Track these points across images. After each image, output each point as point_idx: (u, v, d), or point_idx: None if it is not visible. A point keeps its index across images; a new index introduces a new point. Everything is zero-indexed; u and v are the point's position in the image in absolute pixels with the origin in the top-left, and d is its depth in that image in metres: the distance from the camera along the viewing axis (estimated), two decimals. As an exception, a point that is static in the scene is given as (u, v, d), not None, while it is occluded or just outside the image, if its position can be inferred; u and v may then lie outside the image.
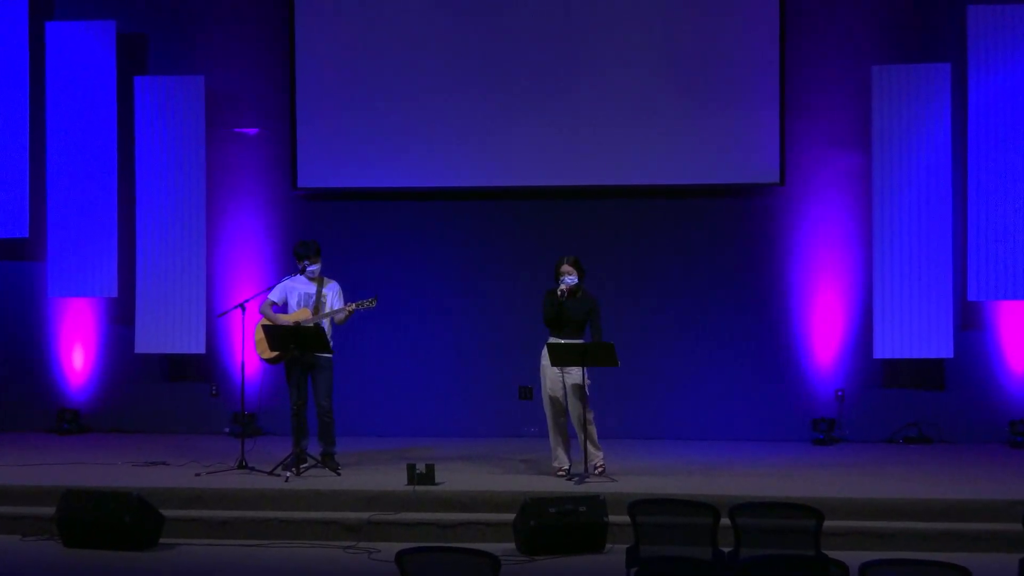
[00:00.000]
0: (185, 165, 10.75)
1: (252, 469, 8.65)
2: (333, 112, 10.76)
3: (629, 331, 10.18)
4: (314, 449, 8.87)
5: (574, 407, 8.46)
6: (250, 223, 11.04)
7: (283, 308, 9.03)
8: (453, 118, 10.63)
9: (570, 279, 8.50)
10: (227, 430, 10.69)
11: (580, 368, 8.37)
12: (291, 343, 8.56)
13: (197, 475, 8.57)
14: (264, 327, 8.73)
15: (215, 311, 10.62)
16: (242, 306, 8.93)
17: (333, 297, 8.93)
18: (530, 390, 10.47)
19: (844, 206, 10.52)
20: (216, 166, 10.96)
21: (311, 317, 8.79)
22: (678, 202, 10.69)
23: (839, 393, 10.48)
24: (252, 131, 11.02)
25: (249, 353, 9.06)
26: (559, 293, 8.48)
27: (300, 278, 8.98)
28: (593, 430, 8.46)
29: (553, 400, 8.54)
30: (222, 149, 10.99)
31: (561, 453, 8.56)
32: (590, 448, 8.41)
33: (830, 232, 10.55)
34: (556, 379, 8.50)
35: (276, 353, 8.73)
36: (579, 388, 8.41)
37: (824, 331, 10.52)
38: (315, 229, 10.37)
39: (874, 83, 10.23)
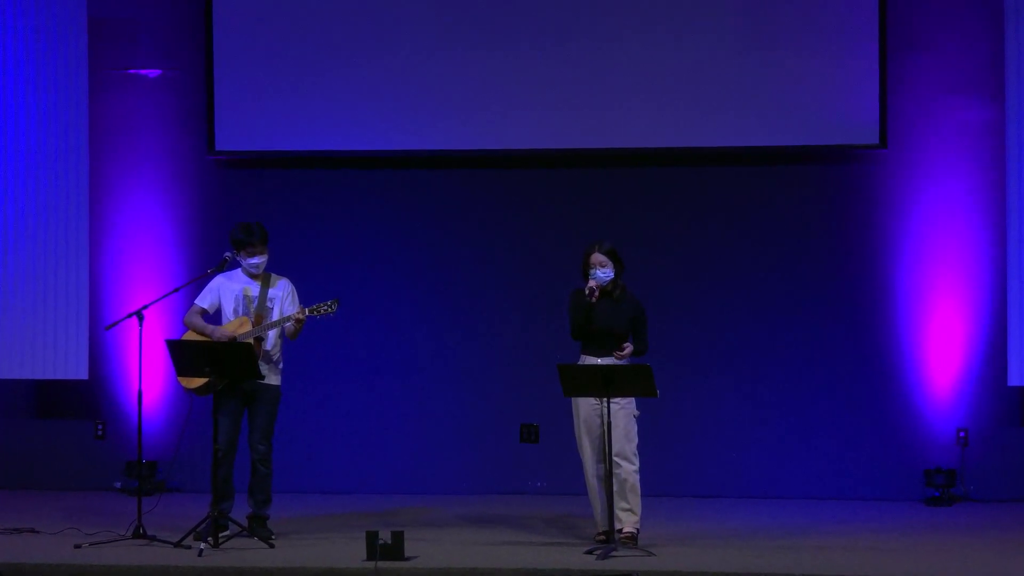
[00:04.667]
0: (60, 120, 10.75)
1: (153, 539, 8.56)
2: (264, 50, 10.79)
3: (675, 351, 10.18)
4: (241, 509, 8.81)
5: (616, 441, 8.35)
6: (150, 200, 11.04)
7: (215, 318, 8.88)
8: (438, 58, 10.67)
9: (602, 273, 8.46)
10: (118, 485, 10.76)
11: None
12: (205, 366, 8.43)
13: (77, 547, 8.49)
14: (168, 344, 8.62)
15: (102, 322, 10.59)
16: (139, 314, 8.82)
17: (283, 300, 8.83)
18: (535, 429, 10.50)
19: (966, 176, 10.54)
20: (104, 122, 10.96)
21: (251, 329, 8.69)
22: (740, 172, 10.72)
23: (961, 435, 10.49)
24: (153, 73, 11.04)
25: (150, 379, 8.97)
26: (587, 292, 8.45)
27: (237, 274, 8.89)
28: (636, 480, 8.42)
29: (590, 440, 8.49)
30: (113, 99, 11.01)
31: (600, 509, 8.47)
32: (620, 504, 8.37)
33: (947, 212, 10.56)
34: (593, 411, 8.43)
35: (204, 380, 8.59)
36: (627, 417, 8.41)
37: (941, 349, 10.53)
38: (239, 207, 10.34)
39: (1008, 10, 10.26)
